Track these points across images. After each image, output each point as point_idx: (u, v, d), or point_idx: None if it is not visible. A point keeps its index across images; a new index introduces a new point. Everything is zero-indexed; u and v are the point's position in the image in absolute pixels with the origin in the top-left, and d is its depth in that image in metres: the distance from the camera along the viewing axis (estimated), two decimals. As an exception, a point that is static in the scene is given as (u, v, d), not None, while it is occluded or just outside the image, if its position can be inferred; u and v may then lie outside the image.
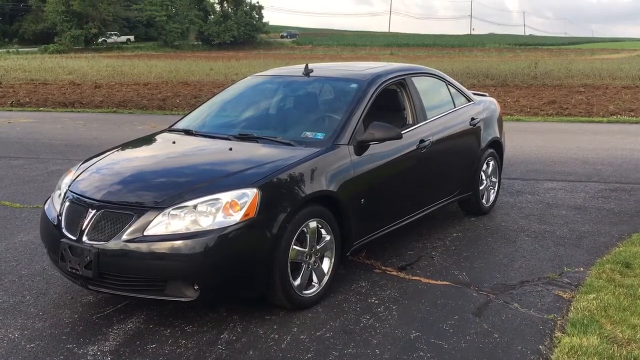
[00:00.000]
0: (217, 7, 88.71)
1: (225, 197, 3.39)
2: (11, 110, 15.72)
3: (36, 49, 64.45)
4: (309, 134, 4.20)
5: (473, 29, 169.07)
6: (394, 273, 4.38)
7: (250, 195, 3.41)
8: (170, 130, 4.81)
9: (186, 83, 23.40)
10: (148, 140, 4.69)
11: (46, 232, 3.80)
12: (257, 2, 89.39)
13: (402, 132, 4.47)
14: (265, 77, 5.31)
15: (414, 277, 4.29)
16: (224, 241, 3.29)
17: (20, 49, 61.90)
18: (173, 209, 3.36)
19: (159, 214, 3.35)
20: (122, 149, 4.46)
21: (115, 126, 12.60)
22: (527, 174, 7.67)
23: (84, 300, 3.88)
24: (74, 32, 68.75)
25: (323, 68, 5.24)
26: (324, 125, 4.36)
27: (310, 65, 5.01)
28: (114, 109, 15.83)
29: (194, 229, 3.31)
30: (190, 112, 5.13)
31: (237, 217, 3.34)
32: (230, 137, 4.28)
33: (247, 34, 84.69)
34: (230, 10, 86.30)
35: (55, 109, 16.07)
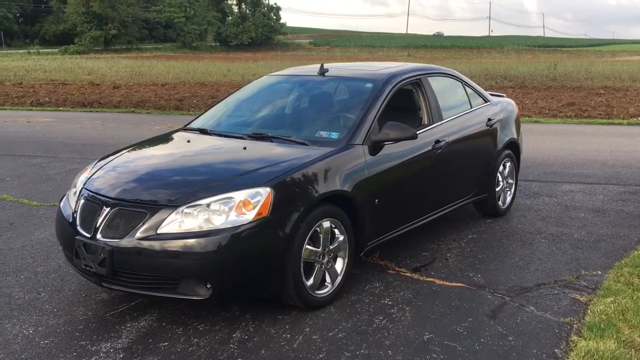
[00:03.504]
0: (235, 9, 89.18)
1: (239, 196, 3.39)
2: (31, 110, 15.90)
3: (56, 49, 65.25)
4: (323, 134, 4.18)
5: (491, 31, 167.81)
6: (408, 274, 4.34)
7: (263, 194, 3.40)
8: (185, 129, 4.82)
9: (203, 84, 23.52)
10: (163, 139, 4.71)
11: (61, 230, 3.82)
12: (275, 4, 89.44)
13: (418, 132, 4.43)
14: (281, 76, 5.31)
15: (428, 279, 4.25)
16: (237, 240, 3.29)
17: (41, 50, 62.67)
18: (186, 207, 3.36)
19: (172, 212, 3.35)
20: (137, 148, 4.48)
21: (132, 126, 12.68)
22: (544, 176, 7.58)
23: (98, 298, 3.90)
24: (94, 33, 69.55)
25: (338, 68, 5.23)
26: (338, 125, 4.34)
27: (326, 65, 5.00)
28: (132, 109, 15.94)
29: (207, 227, 3.31)
30: (206, 111, 5.14)
31: (250, 216, 3.33)
32: (244, 137, 4.28)
33: (265, 35, 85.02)
34: (248, 11, 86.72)
35: (74, 108, 16.23)
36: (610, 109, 14.82)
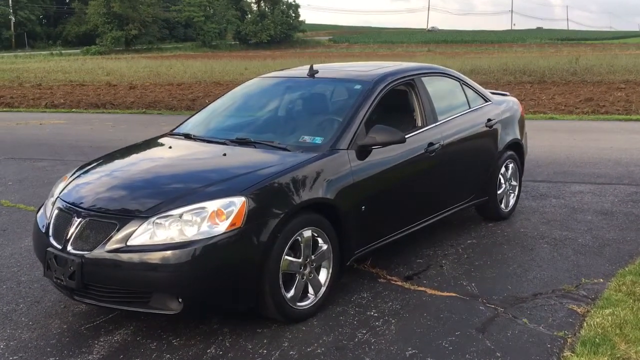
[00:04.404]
0: (254, 7, 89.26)
1: (212, 205, 3.26)
2: (45, 112, 16.00)
3: (78, 50, 66.00)
4: (307, 138, 4.03)
5: (514, 24, 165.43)
6: (399, 283, 4.17)
7: (237, 203, 3.26)
8: (171, 134, 4.71)
9: (219, 83, 23.48)
10: (146, 145, 4.59)
11: (36, 241, 3.73)
12: (294, 1, 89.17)
13: (409, 135, 4.27)
14: (270, 78, 5.17)
15: (420, 288, 4.08)
16: (210, 252, 3.16)
17: (63, 51, 63.45)
18: (158, 218, 3.24)
19: (143, 223, 3.23)
20: (118, 155, 4.37)
21: (142, 127, 12.63)
22: (554, 176, 7.33)
23: (76, 310, 3.80)
24: (115, 33, 70.22)
25: (329, 69, 5.08)
26: (323, 129, 4.17)
27: (316, 66, 4.84)
28: (144, 109, 15.94)
29: (179, 239, 3.18)
30: (193, 115, 5.02)
31: (222, 226, 3.20)
32: (227, 142, 4.14)
33: (284, 33, 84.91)
34: (267, 9, 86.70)
35: (87, 110, 16.30)
36: (629, 104, 14.39)
